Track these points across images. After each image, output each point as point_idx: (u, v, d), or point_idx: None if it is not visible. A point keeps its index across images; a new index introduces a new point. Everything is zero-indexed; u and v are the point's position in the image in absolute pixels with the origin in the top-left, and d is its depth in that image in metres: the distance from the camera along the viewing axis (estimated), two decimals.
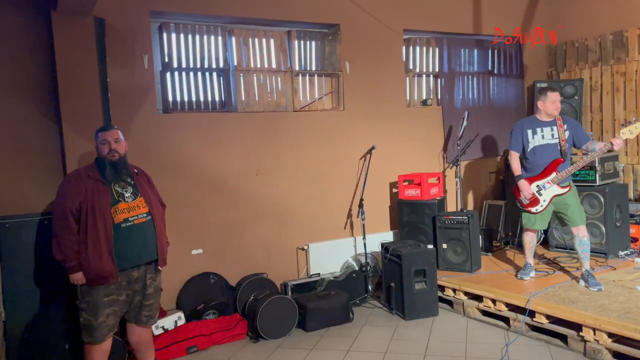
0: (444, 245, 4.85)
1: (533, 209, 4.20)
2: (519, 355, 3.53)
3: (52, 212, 3.32)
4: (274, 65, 5.01)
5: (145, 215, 3.12)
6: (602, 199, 4.83)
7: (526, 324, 3.85)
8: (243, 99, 4.83)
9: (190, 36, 4.60)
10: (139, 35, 4.24)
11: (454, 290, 4.48)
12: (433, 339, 3.93)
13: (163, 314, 4.01)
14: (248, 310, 4.26)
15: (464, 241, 4.75)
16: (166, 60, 4.50)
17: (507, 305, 4.04)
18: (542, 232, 5.32)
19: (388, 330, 4.17)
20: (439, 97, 6.01)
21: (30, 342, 3.54)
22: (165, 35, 4.48)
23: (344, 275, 4.80)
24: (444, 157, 5.93)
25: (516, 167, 4.28)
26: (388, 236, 5.44)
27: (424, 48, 5.96)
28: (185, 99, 4.64)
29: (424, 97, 6.00)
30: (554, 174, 4.09)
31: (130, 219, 3.06)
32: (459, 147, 5.47)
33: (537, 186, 4.16)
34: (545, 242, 5.41)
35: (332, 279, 4.73)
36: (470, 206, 6.13)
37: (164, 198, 3.46)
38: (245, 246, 4.74)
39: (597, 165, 4.86)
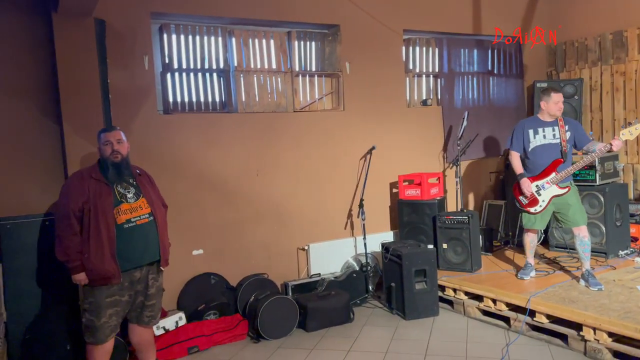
0: (444, 245, 4.85)
1: (532, 209, 4.21)
2: (519, 354, 3.54)
3: (53, 213, 3.33)
4: (274, 66, 5.02)
5: (147, 215, 3.13)
6: (602, 199, 4.84)
7: (526, 323, 3.85)
8: (243, 99, 4.84)
9: (190, 37, 4.61)
10: (139, 37, 4.25)
11: (455, 290, 4.49)
12: (434, 338, 3.94)
13: (164, 314, 4.02)
14: (249, 310, 4.27)
15: (464, 241, 4.76)
16: (166, 61, 4.50)
17: (508, 305, 4.04)
18: (543, 231, 5.32)
19: (389, 330, 4.17)
20: (439, 97, 6.01)
21: (31, 342, 3.55)
22: (165, 36, 4.49)
23: (344, 276, 4.80)
24: (444, 157, 5.94)
25: (517, 165, 4.28)
26: (388, 236, 5.44)
27: (424, 48, 5.97)
28: (186, 99, 4.65)
29: (424, 97, 6.01)
30: (553, 174, 4.10)
31: (132, 219, 3.07)
32: (459, 147, 5.48)
33: (537, 186, 4.16)
34: (545, 242, 5.41)
35: (333, 279, 4.74)
36: (471, 206, 6.14)
37: (164, 199, 3.47)
38: (245, 246, 4.75)
39: (597, 165, 4.87)
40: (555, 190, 4.10)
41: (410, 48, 5.87)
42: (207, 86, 4.75)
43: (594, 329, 3.39)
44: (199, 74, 4.70)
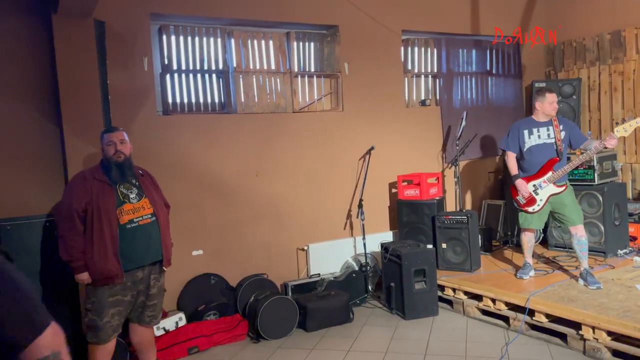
0: (444, 245, 4.86)
1: (530, 209, 4.22)
2: (518, 354, 3.55)
3: (57, 213, 3.34)
4: (273, 67, 5.03)
5: (150, 216, 3.15)
6: (600, 198, 4.85)
7: (526, 322, 3.86)
8: (242, 100, 4.85)
9: (189, 38, 4.61)
10: (138, 38, 4.26)
11: (454, 289, 4.50)
12: (433, 338, 3.95)
13: (164, 315, 4.02)
14: (249, 310, 4.27)
15: (463, 241, 4.77)
16: (166, 62, 4.51)
17: (507, 304, 4.05)
18: (541, 231, 5.34)
19: (388, 330, 4.18)
20: (438, 98, 6.02)
21: None
22: (164, 37, 4.50)
23: (344, 276, 4.81)
24: (443, 157, 5.95)
25: (513, 166, 4.31)
26: (388, 236, 5.45)
27: (422, 48, 5.98)
28: (185, 100, 4.66)
29: (423, 98, 6.02)
30: (550, 173, 4.11)
31: (135, 220, 3.08)
32: (457, 147, 5.49)
33: (534, 185, 4.18)
34: (544, 241, 5.43)
35: (332, 279, 4.74)
36: (470, 206, 6.15)
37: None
38: (245, 247, 4.75)
39: (595, 164, 4.88)
40: (553, 189, 4.12)
41: (409, 48, 5.89)
42: (207, 87, 4.76)
43: (593, 328, 3.40)
44: (198, 75, 4.71)
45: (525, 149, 4.23)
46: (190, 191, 4.48)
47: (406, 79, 5.84)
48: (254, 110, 4.89)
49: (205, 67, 4.70)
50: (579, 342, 3.50)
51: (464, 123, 5.47)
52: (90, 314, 3.03)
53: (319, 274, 4.86)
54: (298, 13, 5.00)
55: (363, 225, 4.99)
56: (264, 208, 4.85)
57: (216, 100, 4.82)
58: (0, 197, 3.83)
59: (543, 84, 5.96)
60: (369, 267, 4.95)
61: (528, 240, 4.41)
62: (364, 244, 4.93)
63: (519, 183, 4.21)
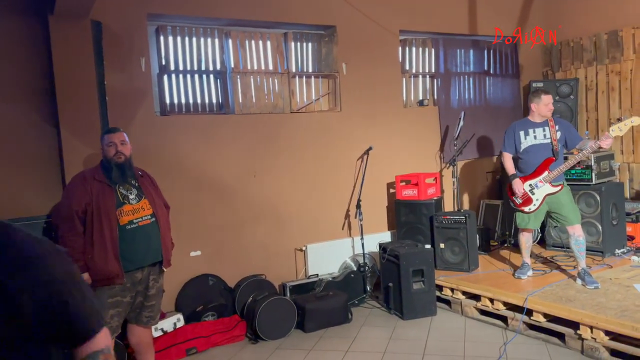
0: (442, 245, 4.87)
1: (526, 208, 4.23)
2: (517, 353, 3.55)
3: (56, 214, 3.34)
4: (270, 67, 5.02)
5: (149, 217, 3.15)
6: (598, 198, 4.86)
7: (524, 322, 3.87)
8: (240, 101, 4.84)
9: (187, 39, 4.61)
10: (136, 38, 4.25)
11: (452, 289, 4.50)
12: (431, 338, 3.95)
13: (162, 315, 4.02)
14: (247, 311, 4.27)
15: (461, 241, 4.77)
16: (163, 63, 4.51)
17: (505, 304, 4.06)
18: (539, 231, 5.34)
19: (386, 330, 4.18)
20: (436, 98, 6.03)
21: None
22: (162, 38, 4.49)
23: (342, 276, 4.81)
24: (440, 157, 5.95)
25: (510, 166, 4.32)
26: (386, 236, 5.45)
27: (420, 49, 5.99)
28: (183, 101, 4.65)
29: (421, 98, 6.02)
30: (545, 173, 4.12)
31: (134, 220, 3.08)
32: (455, 147, 5.49)
33: (530, 185, 4.19)
34: (542, 241, 5.43)
35: (331, 279, 4.74)
36: (467, 206, 6.15)
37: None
38: (243, 247, 4.75)
39: (593, 164, 4.89)
40: (549, 188, 4.13)
41: (407, 48, 5.89)
42: (204, 88, 4.75)
43: (591, 328, 3.41)
44: (196, 76, 4.70)
45: (521, 150, 4.25)
46: (188, 192, 4.48)
47: (404, 79, 5.84)
48: (252, 110, 4.89)
49: (203, 68, 4.70)
50: (577, 341, 3.51)
51: (461, 123, 5.47)
52: None
53: (317, 274, 4.86)
54: (295, 13, 4.99)
55: (361, 225, 4.99)
56: (262, 209, 4.84)
57: (214, 100, 4.81)
58: None
59: (541, 84, 5.96)
60: (367, 268, 4.95)
61: (526, 240, 4.41)
62: (362, 244, 4.93)
63: (516, 182, 4.22)
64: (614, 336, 3.34)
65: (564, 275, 4.35)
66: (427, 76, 6.07)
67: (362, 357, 3.72)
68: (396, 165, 5.50)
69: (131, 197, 3.13)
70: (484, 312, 4.25)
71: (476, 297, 4.31)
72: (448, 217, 4.86)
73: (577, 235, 4.11)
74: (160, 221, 3.19)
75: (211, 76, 4.78)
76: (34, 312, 1.12)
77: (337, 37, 5.23)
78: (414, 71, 5.95)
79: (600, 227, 4.84)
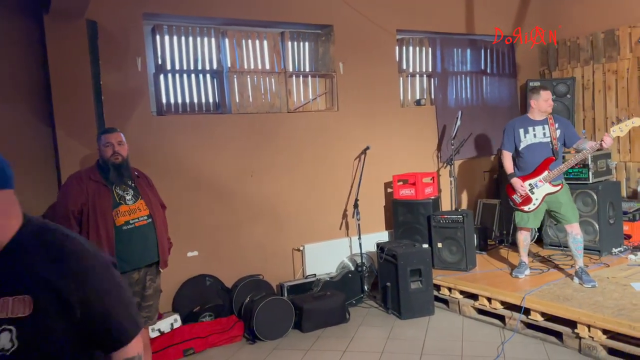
0: (439, 245, 4.86)
1: (526, 208, 4.23)
2: (514, 352, 3.55)
3: (52, 214, 3.32)
4: (267, 67, 5.01)
5: (146, 217, 3.13)
6: (595, 197, 4.86)
7: (521, 321, 3.87)
8: (237, 100, 4.83)
9: (183, 38, 4.59)
10: (132, 38, 4.23)
11: (450, 289, 4.50)
12: (429, 338, 3.94)
13: (159, 316, 4.00)
14: (244, 311, 4.26)
15: (459, 240, 4.77)
16: (159, 62, 4.49)
17: (503, 303, 4.06)
18: (536, 230, 5.34)
19: (384, 330, 4.18)
20: (433, 97, 6.03)
21: None
22: (158, 37, 4.47)
23: (339, 276, 4.80)
24: (438, 157, 5.95)
25: (509, 165, 4.31)
26: (383, 236, 5.45)
27: (417, 48, 5.99)
28: (179, 101, 4.63)
29: (418, 97, 6.02)
30: (545, 173, 4.12)
31: (131, 221, 3.07)
32: (453, 147, 5.49)
33: (530, 185, 4.18)
34: (539, 240, 5.43)
35: (328, 279, 4.74)
36: (465, 205, 6.16)
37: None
38: (240, 248, 4.73)
39: (590, 163, 4.90)
40: (548, 188, 4.12)
41: (404, 48, 5.89)
42: (201, 87, 4.74)
43: (589, 327, 3.41)
44: (192, 75, 4.69)
45: (521, 148, 4.24)
46: (185, 192, 4.46)
47: (401, 78, 5.84)
48: (249, 110, 4.88)
49: (200, 67, 4.69)
50: (574, 340, 3.51)
51: (459, 122, 5.47)
52: None
53: (315, 274, 4.85)
54: (292, 13, 4.98)
55: (359, 225, 4.98)
56: (260, 208, 4.83)
57: (210, 100, 4.80)
58: None
59: (537, 83, 5.96)
60: (364, 267, 4.95)
61: (524, 239, 4.41)
62: (360, 244, 4.93)
63: (515, 182, 4.22)
64: (612, 335, 3.35)
65: (561, 274, 4.36)
66: (425, 75, 6.07)
67: (360, 357, 3.72)
68: (394, 165, 5.50)
69: (127, 197, 3.11)
70: (481, 312, 4.25)
71: (474, 297, 4.30)
72: (445, 216, 4.86)
73: (575, 234, 4.11)
74: (156, 222, 3.17)
75: (208, 76, 4.77)
76: (82, 316, 1.23)
77: (334, 37, 5.22)
78: (411, 71, 5.94)
79: (597, 226, 4.85)
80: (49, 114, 3.96)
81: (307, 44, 5.30)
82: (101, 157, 3.13)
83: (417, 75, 6.04)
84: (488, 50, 6.39)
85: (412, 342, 3.88)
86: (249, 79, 4.90)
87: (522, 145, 4.23)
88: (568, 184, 4.37)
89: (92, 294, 1.25)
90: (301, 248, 4.98)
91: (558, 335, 3.65)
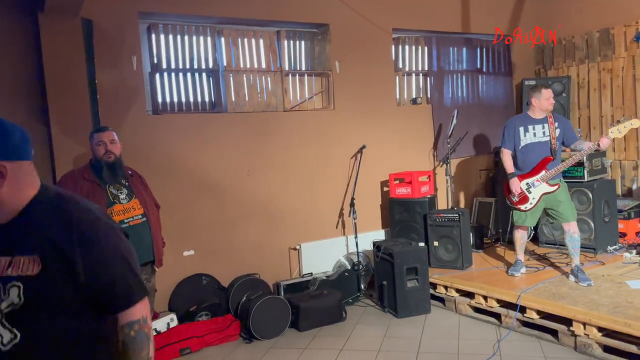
0: (436, 243, 4.87)
1: (522, 207, 4.24)
2: (510, 350, 3.56)
3: None
4: (263, 66, 5.00)
5: (140, 216, 3.12)
6: (590, 195, 4.88)
7: (517, 319, 3.88)
8: (233, 99, 4.82)
9: (179, 37, 4.58)
10: (127, 37, 4.22)
11: (446, 287, 4.51)
12: (426, 336, 3.95)
13: (155, 315, 3.99)
14: (241, 310, 4.25)
15: (455, 239, 4.78)
16: (155, 61, 4.47)
17: (499, 301, 4.07)
18: (532, 228, 5.36)
19: (381, 328, 4.18)
20: (429, 96, 6.03)
21: None
22: (154, 36, 4.46)
23: (336, 275, 4.81)
24: (434, 155, 5.96)
25: (509, 164, 4.30)
26: (380, 235, 5.45)
27: (413, 47, 5.99)
28: (175, 100, 4.62)
29: (414, 96, 6.02)
30: (543, 172, 4.13)
31: (125, 220, 3.06)
32: (449, 145, 5.50)
33: (527, 184, 4.19)
34: (535, 239, 5.45)
35: (325, 278, 4.74)
36: (461, 204, 6.17)
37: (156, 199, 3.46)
38: (237, 247, 4.73)
39: (585, 161, 4.91)
40: (546, 187, 4.13)
41: (400, 47, 5.89)
42: (197, 86, 4.73)
43: (584, 324, 3.42)
44: (188, 74, 4.67)
45: (520, 147, 4.24)
46: (181, 191, 4.45)
47: (397, 77, 5.84)
48: (245, 109, 4.87)
49: (195, 66, 4.67)
50: (570, 338, 3.52)
51: (454, 121, 5.48)
52: None
53: (312, 273, 4.85)
54: (288, 11, 4.98)
55: (355, 224, 4.98)
56: (256, 207, 4.83)
57: (206, 99, 4.79)
58: None
59: (533, 82, 5.98)
60: (361, 266, 4.95)
61: (521, 237, 4.42)
62: (356, 243, 4.93)
63: (513, 181, 4.22)
64: (607, 332, 3.36)
65: (557, 272, 4.37)
66: (420, 74, 6.07)
67: (357, 355, 3.72)
68: (390, 164, 5.50)
69: (122, 196, 3.10)
70: (477, 310, 4.26)
71: (470, 295, 4.31)
72: (442, 215, 4.86)
73: (572, 232, 4.13)
74: (151, 220, 3.16)
75: (203, 74, 4.76)
76: (86, 280, 1.32)
77: (330, 35, 5.22)
78: (407, 69, 5.95)
79: (592, 224, 4.87)
80: (44, 112, 3.94)
81: (303, 42, 5.30)
82: (94, 156, 3.11)
83: (413, 74, 6.04)
84: (484, 49, 6.40)
85: (408, 340, 3.89)
86: (245, 78, 4.89)
87: (521, 144, 4.23)
88: (565, 182, 4.38)
89: (98, 261, 1.34)
90: (298, 247, 4.98)
91: (554, 333, 3.66)
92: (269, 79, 5.02)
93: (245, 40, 4.91)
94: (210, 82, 4.79)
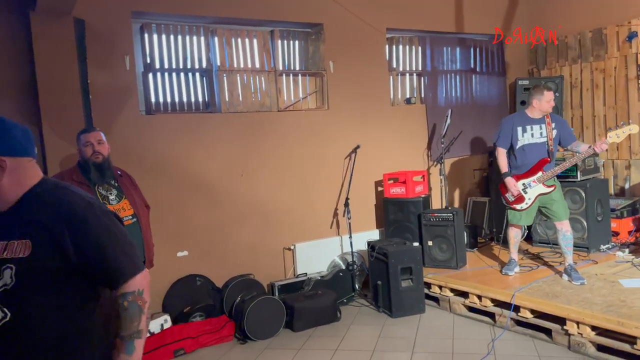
0: (430, 243, 4.88)
1: (518, 207, 4.25)
2: (505, 349, 3.57)
3: None
4: (257, 65, 4.99)
5: (130, 217, 3.09)
6: (583, 194, 4.91)
7: (511, 319, 3.89)
8: (227, 99, 4.81)
9: (172, 37, 4.56)
10: (120, 36, 4.19)
11: (440, 287, 4.52)
12: (420, 335, 3.96)
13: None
14: (235, 311, 4.24)
15: (449, 238, 4.78)
16: (148, 61, 4.45)
17: (493, 300, 4.08)
18: (526, 227, 5.38)
19: (375, 328, 4.18)
20: (423, 96, 6.04)
21: None
22: (146, 36, 4.43)
23: (330, 275, 4.80)
24: (428, 155, 5.97)
25: (503, 163, 4.31)
26: (374, 234, 5.46)
27: (407, 47, 5.99)
28: (168, 100, 4.60)
29: (408, 96, 6.03)
30: (540, 173, 4.14)
31: None
32: (443, 145, 5.51)
33: (523, 184, 4.21)
34: (528, 238, 5.47)
35: (319, 278, 4.73)
36: (455, 203, 6.18)
37: (148, 200, 3.43)
38: (231, 247, 4.71)
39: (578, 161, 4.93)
40: (542, 188, 4.15)
41: (394, 46, 5.89)
42: (190, 86, 4.70)
43: (578, 323, 3.44)
44: (182, 74, 4.65)
45: (517, 147, 4.24)
46: (175, 192, 4.43)
47: (391, 77, 5.84)
48: (239, 109, 4.85)
49: (189, 66, 4.65)
50: (563, 337, 3.54)
51: (448, 121, 5.49)
52: None
53: (306, 273, 4.84)
54: (282, 11, 4.97)
55: (349, 224, 4.98)
56: (250, 208, 4.82)
57: (200, 99, 4.77)
58: None
59: (527, 82, 6.02)
60: (355, 266, 4.95)
61: (515, 235, 4.43)
62: (351, 243, 4.93)
63: (509, 181, 4.23)
64: (600, 331, 3.38)
65: (550, 272, 4.39)
66: (414, 74, 6.08)
67: (352, 355, 3.72)
68: (384, 164, 5.50)
69: (111, 197, 3.07)
70: (472, 309, 4.27)
71: (464, 294, 4.32)
72: (436, 214, 4.87)
73: (565, 230, 4.15)
74: (141, 221, 3.13)
75: (197, 74, 4.74)
76: (78, 260, 1.43)
77: (324, 35, 5.21)
78: (401, 69, 5.95)
79: (585, 223, 4.89)
80: (36, 113, 3.91)
81: (297, 42, 5.29)
82: (82, 157, 3.08)
83: (407, 74, 6.05)
84: (477, 49, 6.42)
85: (403, 340, 3.89)
86: (238, 78, 4.87)
87: (518, 145, 4.23)
88: (559, 182, 4.40)
89: (87, 243, 1.44)
90: (292, 247, 4.97)
91: (548, 332, 3.68)
92: (262, 78, 5.01)
93: (239, 40, 4.89)
94: (204, 82, 4.77)
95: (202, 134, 4.57)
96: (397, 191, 5.16)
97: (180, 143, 4.47)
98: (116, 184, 3.14)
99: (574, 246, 4.30)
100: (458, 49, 6.28)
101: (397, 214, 5.15)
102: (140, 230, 3.13)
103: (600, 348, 3.37)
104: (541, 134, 4.18)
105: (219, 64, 4.77)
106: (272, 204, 4.92)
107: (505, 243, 4.78)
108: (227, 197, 4.70)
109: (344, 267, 5.00)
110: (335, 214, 5.30)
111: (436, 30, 6.04)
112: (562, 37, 6.29)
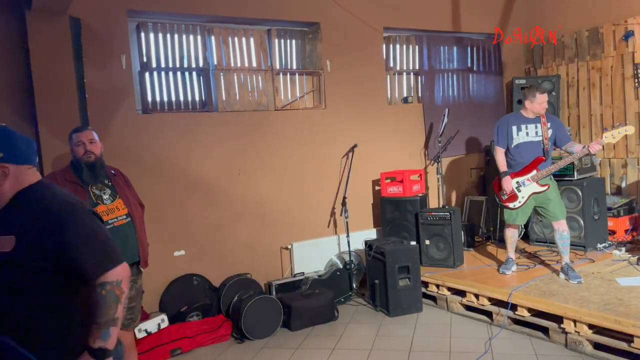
0: (427, 242, 4.88)
1: (511, 205, 4.25)
2: (502, 348, 3.58)
3: None
4: (254, 64, 4.98)
5: (124, 217, 3.07)
6: (580, 193, 4.91)
7: (508, 317, 3.90)
8: (224, 98, 4.79)
9: (168, 35, 4.54)
10: (116, 35, 4.17)
11: (438, 286, 4.52)
12: (418, 334, 3.96)
13: (146, 316, 3.96)
14: (232, 311, 4.23)
15: (446, 237, 4.79)
16: (144, 60, 4.44)
17: (490, 299, 4.08)
18: (523, 226, 5.39)
19: (373, 327, 4.18)
20: (420, 95, 6.04)
21: None
22: (143, 34, 4.42)
23: (328, 274, 4.80)
24: (425, 154, 5.97)
25: (502, 163, 4.31)
26: (371, 234, 5.46)
27: (404, 46, 5.99)
28: (165, 99, 4.59)
29: (405, 95, 6.03)
30: (534, 172, 4.14)
31: (109, 221, 3.00)
32: (440, 144, 5.51)
33: (517, 182, 4.21)
34: (525, 237, 5.48)
35: (317, 277, 4.73)
36: (452, 202, 6.19)
37: (144, 200, 3.41)
38: (228, 247, 4.70)
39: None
40: (535, 187, 4.15)
41: (391, 45, 5.89)
42: (187, 85, 4.69)
43: (575, 322, 3.44)
44: (178, 73, 4.64)
45: (512, 146, 4.25)
46: (172, 191, 4.42)
47: (388, 76, 5.84)
48: (236, 108, 4.84)
49: (185, 65, 4.64)
50: (560, 335, 3.54)
51: (445, 120, 5.49)
52: None
53: (303, 272, 4.84)
54: (279, 10, 4.96)
55: (347, 223, 4.98)
56: (247, 207, 4.81)
57: (197, 98, 4.76)
58: None
59: (523, 81, 6.02)
60: (353, 265, 4.95)
61: (511, 235, 4.44)
62: (348, 242, 4.92)
63: (506, 180, 4.23)
64: (597, 329, 3.38)
65: (547, 270, 4.39)
66: (411, 73, 6.08)
67: (349, 354, 3.71)
68: (381, 163, 5.50)
69: (105, 197, 3.04)
70: (469, 308, 4.27)
71: (461, 293, 4.33)
72: (433, 213, 4.87)
73: (562, 230, 4.15)
74: (135, 221, 3.11)
75: (194, 73, 4.73)
76: (56, 256, 1.56)
77: (321, 34, 5.21)
78: (398, 68, 5.95)
79: (582, 222, 4.90)
80: (32, 112, 3.89)
81: (294, 41, 5.28)
82: (74, 156, 3.05)
83: (404, 73, 6.05)
84: (474, 48, 6.42)
85: (400, 339, 3.89)
86: (235, 77, 4.86)
87: (513, 143, 4.24)
88: (555, 181, 4.40)
89: (65, 242, 1.56)
90: (289, 246, 4.96)
91: (545, 330, 3.68)
92: (259, 77, 5.00)
93: (236, 38, 4.88)
94: (201, 81, 4.76)
95: (199, 133, 4.56)
96: (394, 190, 5.17)
97: (177, 142, 4.45)
98: (110, 184, 3.12)
99: (571, 245, 4.30)
100: (455, 48, 6.29)
101: (395, 213, 5.15)
102: (134, 229, 3.10)
103: (597, 346, 3.38)
104: (536, 132, 4.18)
105: (215, 62, 4.76)
106: (269, 203, 4.91)
107: (502, 242, 4.78)
108: (224, 196, 4.69)
109: (341, 266, 5.00)
110: (333, 213, 5.30)
111: (433, 29, 6.04)
112: (559, 36, 6.30)
